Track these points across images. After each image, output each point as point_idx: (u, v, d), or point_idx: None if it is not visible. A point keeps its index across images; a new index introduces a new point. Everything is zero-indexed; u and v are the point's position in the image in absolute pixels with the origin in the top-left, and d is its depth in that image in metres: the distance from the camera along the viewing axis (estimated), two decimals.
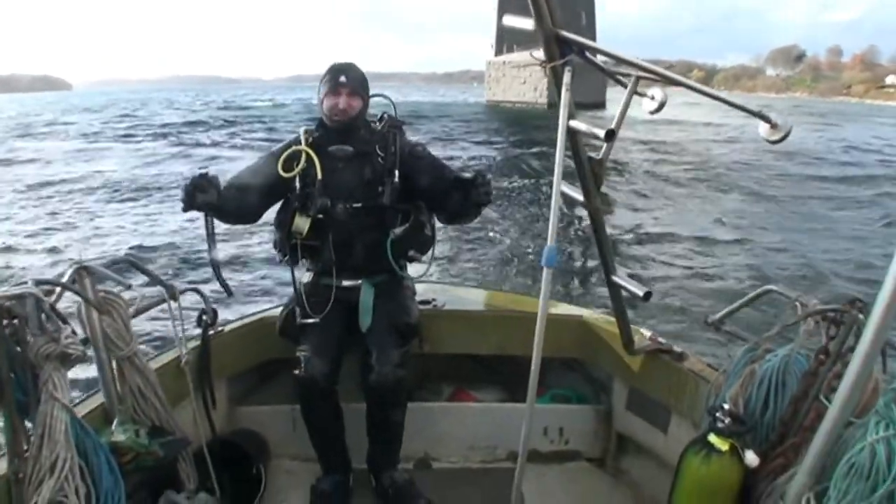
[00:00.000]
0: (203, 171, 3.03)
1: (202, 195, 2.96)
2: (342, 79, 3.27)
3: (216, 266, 3.19)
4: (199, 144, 34.75)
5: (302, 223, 3.24)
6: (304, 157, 3.21)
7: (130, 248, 12.59)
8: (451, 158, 26.17)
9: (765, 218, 18.17)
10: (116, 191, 19.96)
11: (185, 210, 3.00)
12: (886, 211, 19.55)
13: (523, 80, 77.99)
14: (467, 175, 3.19)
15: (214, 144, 34.56)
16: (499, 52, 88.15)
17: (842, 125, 58.08)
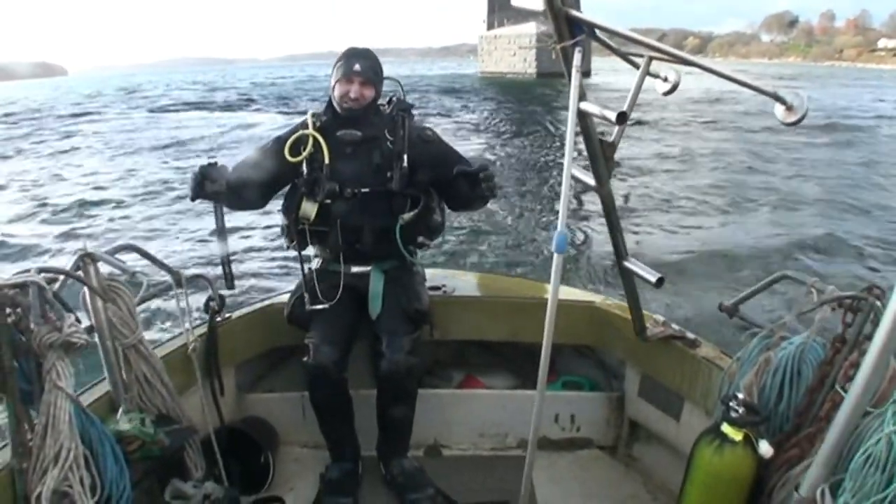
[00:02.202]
0: (212, 160, 3.04)
1: (211, 184, 3.02)
2: (357, 67, 3.22)
3: (225, 255, 3.17)
4: (204, 126, 34.99)
5: (309, 208, 3.21)
6: (311, 141, 3.19)
7: (136, 236, 12.58)
8: (449, 130, 26.59)
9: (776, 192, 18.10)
10: (122, 178, 19.96)
11: (194, 199, 3.05)
12: None
13: (513, 53, 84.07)
14: (471, 169, 3.18)
15: (221, 125, 34.77)
16: (490, 26, 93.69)
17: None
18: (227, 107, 49.30)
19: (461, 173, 3.18)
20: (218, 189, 3.02)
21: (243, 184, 3.19)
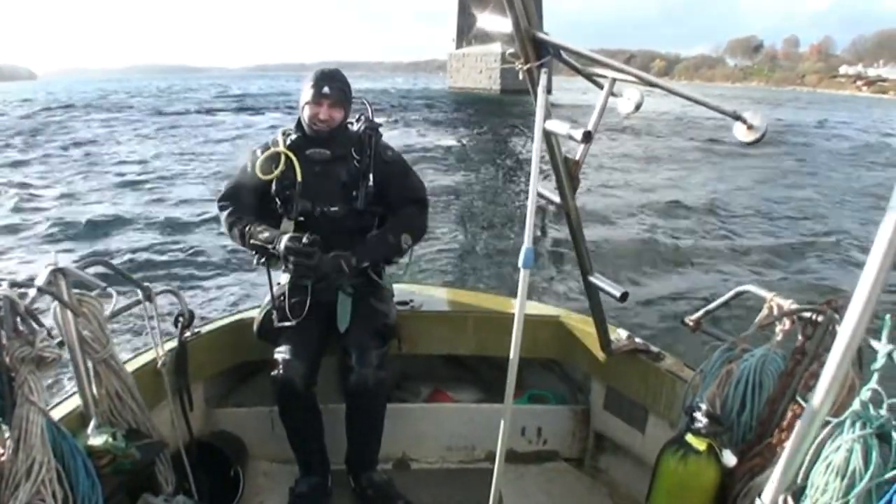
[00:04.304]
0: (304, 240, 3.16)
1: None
2: (325, 89, 3.26)
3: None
4: (178, 136, 34.82)
5: (287, 227, 3.26)
6: (283, 159, 3.22)
7: (106, 250, 12.46)
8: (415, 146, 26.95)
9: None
10: (92, 191, 19.74)
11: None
12: None
13: (480, 70, 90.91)
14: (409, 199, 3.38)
15: (195, 135, 34.66)
16: (459, 45, 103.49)
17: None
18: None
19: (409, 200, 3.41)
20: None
21: (249, 207, 3.40)
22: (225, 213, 3.42)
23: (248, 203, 3.40)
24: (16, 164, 25.28)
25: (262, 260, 3.38)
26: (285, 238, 3.14)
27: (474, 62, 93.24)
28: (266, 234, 3.25)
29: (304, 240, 3.12)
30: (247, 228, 3.31)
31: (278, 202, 3.31)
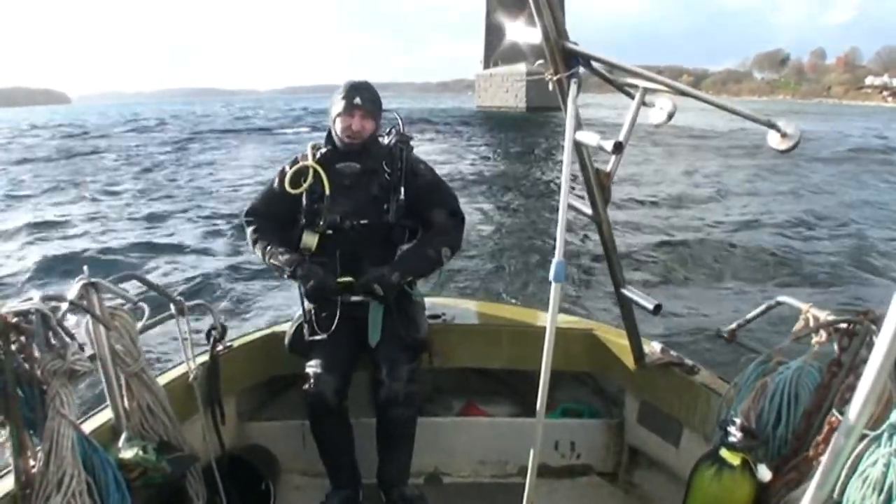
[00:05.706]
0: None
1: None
2: (357, 100, 3.27)
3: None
4: (208, 159, 35.09)
5: (310, 239, 3.26)
6: (311, 173, 3.23)
7: (139, 264, 12.56)
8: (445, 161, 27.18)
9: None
10: (126, 206, 19.95)
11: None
12: None
13: (506, 90, 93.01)
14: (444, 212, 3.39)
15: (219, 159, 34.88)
16: (487, 66, 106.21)
17: None
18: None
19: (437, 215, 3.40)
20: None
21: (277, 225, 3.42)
22: (250, 229, 3.47)
23: (273, 218, 3.43)
24: (63, 186, 25.55)
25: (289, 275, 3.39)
26: (314, 277, 3.23)
27: (501, 81, 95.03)
28: (285, 258, 3.28)
29: (329, 280, 3.25)
30: (268, 248, 3.34)
31: (303, 217, 3.31)
